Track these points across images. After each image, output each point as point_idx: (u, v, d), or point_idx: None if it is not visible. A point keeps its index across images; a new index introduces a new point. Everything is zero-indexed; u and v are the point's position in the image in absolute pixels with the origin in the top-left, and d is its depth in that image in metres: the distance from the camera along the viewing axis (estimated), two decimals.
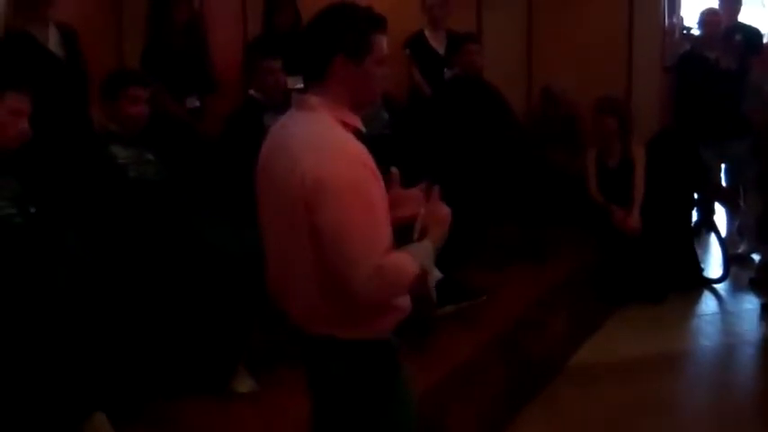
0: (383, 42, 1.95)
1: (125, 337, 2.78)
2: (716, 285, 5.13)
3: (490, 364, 3.61)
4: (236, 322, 3.10)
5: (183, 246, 3.12)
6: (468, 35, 5.17)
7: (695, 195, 5.32)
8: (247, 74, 4.43)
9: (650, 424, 3.56)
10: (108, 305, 2.75)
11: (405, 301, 2.02)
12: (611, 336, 4.44)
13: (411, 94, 5.37)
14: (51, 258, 2.75)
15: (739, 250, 5.54)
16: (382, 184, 1.92)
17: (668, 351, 4.26)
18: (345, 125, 1.93)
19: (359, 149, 1.89)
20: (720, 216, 5.81)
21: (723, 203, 5.80)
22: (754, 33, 5.58)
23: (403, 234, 1.94)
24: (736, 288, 5.12)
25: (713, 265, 5.38)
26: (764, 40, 5.60)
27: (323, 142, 1.88)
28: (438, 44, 5.35)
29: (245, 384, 3.14)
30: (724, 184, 5.77)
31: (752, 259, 5.44)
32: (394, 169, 2.07)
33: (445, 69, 5.15)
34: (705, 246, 5.66)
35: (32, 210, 2.88)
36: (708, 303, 4.98)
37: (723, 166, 5.66)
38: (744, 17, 5.81)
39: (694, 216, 5.49)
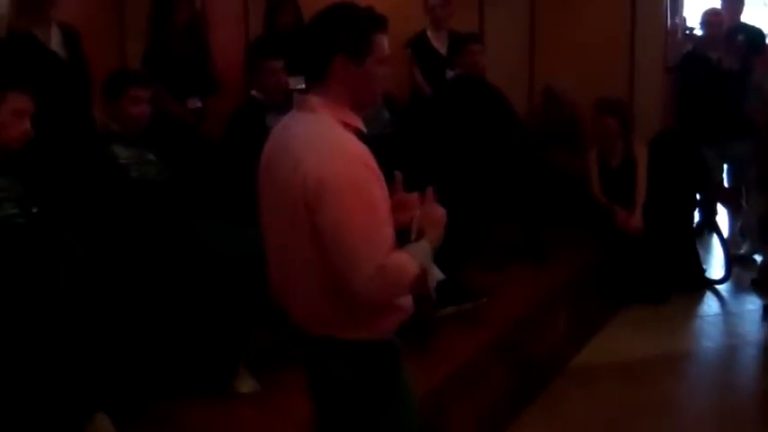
0: (384, 42, 1.95)
1: (126, 338, 2.77)
2: (718, 286, 5.13)
3: (491, 364, 3.61)
4: (238, 322, 3.10)
5: (184, 246, 3.11)
6: (471, 35, 5.14)
7: (697, 196, 5.31)
8: (249, 74, 4.41)
9: (652, 424, 3.56)
10: (110, 305, 2.75)
11: (407, 302, 2.02)
12: (613, 336, 4.44)
13: (412, 94, 5.36)
14: (53, 258, 2.74)
15: (741, 251, 5.54)
16: (384, 184, 1.92)
17: (670, 352, 4.26)
18: (346, 125, 1.93)
19: (360, 150, 1.89)
20: (722, 217, 5.80)
21: (725, 204, 5.78)
22: (756, 34, 5.56)
23: (402, 236, 1.94)
24: (739, 289, 5.12)
25: (715, 265, 5.38)
26: (767, 41, 5.59)
27: (324, 143, 1.88)
28: (440, 44, 5.35)
29: (246, 384, 3.13)
30: (726, 184, 5.76)
31: (754, 260, 5.43)
32: (398, 173, 2.07)
33: (447, 70, 5.15)
34: (707, 246, 5.66)
35: (35, 210, 2.87)
36: (710, 304, 4.97)
37: (725, 166, 5.65)
38: (746, 17, 5.81)
39: (696, 216, 5.48)
